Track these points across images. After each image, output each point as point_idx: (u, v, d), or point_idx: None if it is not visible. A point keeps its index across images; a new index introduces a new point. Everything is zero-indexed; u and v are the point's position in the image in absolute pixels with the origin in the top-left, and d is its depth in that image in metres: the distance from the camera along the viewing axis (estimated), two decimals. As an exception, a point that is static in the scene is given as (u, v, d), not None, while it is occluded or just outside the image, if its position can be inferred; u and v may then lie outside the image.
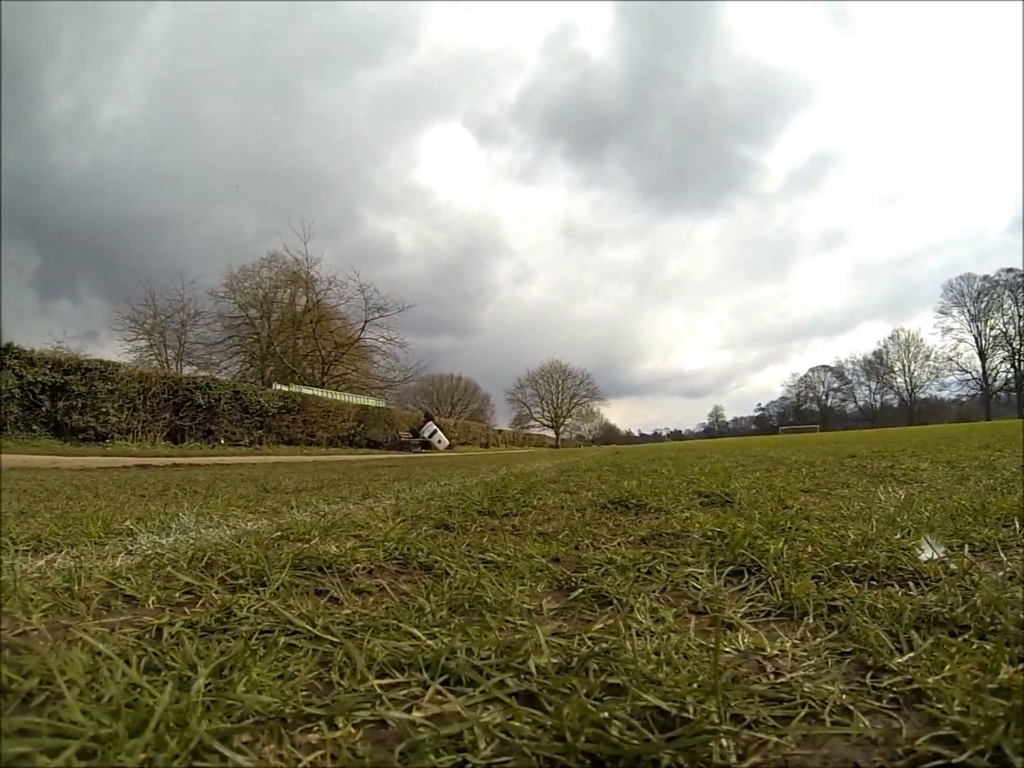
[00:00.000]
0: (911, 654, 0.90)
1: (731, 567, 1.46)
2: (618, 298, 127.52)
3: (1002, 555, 1.47)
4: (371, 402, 32.30)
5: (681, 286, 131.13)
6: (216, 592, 1.35)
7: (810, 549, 1.54)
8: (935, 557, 1.42)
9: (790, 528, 1.86)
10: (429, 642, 0.96)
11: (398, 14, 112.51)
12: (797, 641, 1.01)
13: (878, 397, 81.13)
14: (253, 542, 1.91)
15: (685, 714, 0.70)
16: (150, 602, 1.30)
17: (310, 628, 1.05)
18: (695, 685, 0.76)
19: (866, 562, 1.42)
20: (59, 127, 67.94)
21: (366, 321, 41.59)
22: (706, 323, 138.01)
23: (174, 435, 18.40)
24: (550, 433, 75.06)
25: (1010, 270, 65.92)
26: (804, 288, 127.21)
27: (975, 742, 0.66)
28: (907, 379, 75.71)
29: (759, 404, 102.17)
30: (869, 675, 0.87)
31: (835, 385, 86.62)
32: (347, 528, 2.23)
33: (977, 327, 68.45)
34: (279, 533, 2.15)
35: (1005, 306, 66.65)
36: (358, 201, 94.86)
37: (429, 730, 0.69)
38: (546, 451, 35.35)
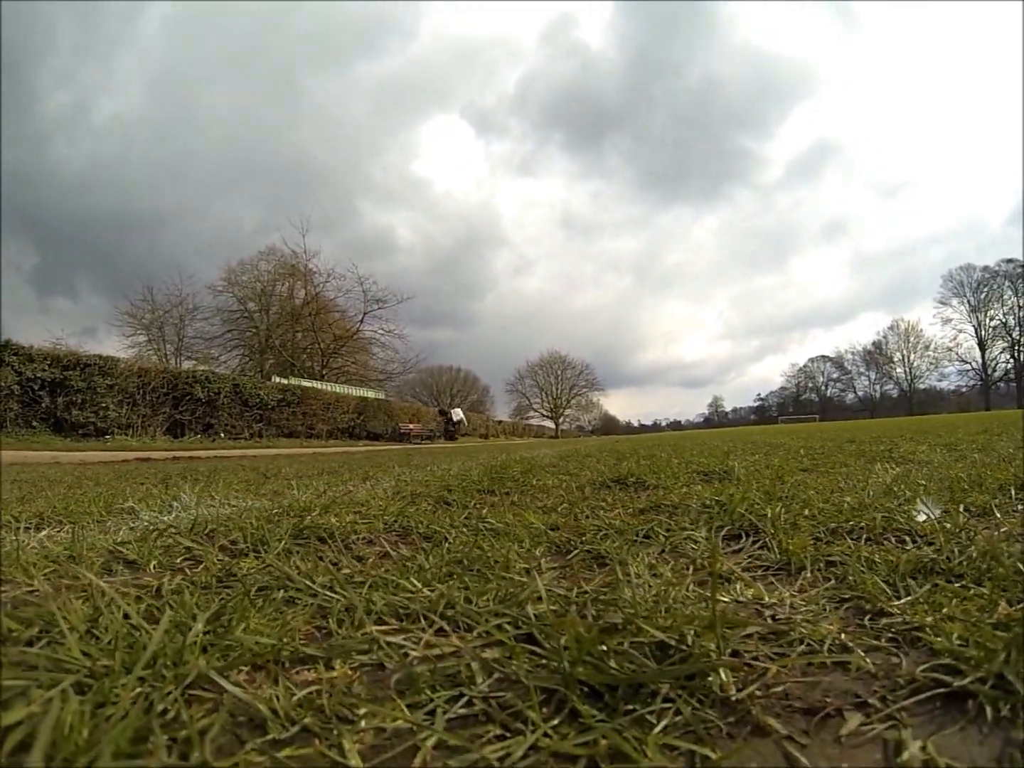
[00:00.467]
0: (909, 598, 0.91)
1: (729, 529, 1.46)
2: (617, 288, 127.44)
3: (999, 516, 1.47)
4: (370, 394, 32.24)
5: (681, 276, 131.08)
6: (217, 559, 1.36)
7: (807, 512, 1.54)
8: (932, 518, 1.43)
9: (787, 497, 1.86)
10: (427, 592, 0.96)
11: (397, 5, 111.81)
12: (795, 593, 1.02)
13: (877, 387, 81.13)
14: (254, 516, 1.92)
15: (684, 646, 0.70)
16: (151, 566, 1.30)
17: (310, 584, 1.05)
18: (694, 622, 0.76)
19: (863, 524, 1.43)
20: (57, 123, 67.67)
21: (365, 313, 41.50)
22: (706, 313, 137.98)
23: (174, 429, 18.39)
24: (550, 424, 75.11)
25: (1010, 260, 65.73)
26: (804, 278, 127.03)
27: (975, 670, 0.66)
28: (907, 369, 75.69)
29: (759, 394, 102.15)
30: (867, 618, 0.87)
31: (835, 375, 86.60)
32: (348, 505, 2.23)
33: (977, 317, 68.34)
34: (280, 510, 2.15)
35: (1005, 296, 66.46)
36: (357, 193, 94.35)
37: (427, 665, 0.70)
38: (546, 441, 35.38)
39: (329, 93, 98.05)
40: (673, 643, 0.70)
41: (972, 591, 0.92)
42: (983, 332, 68.33)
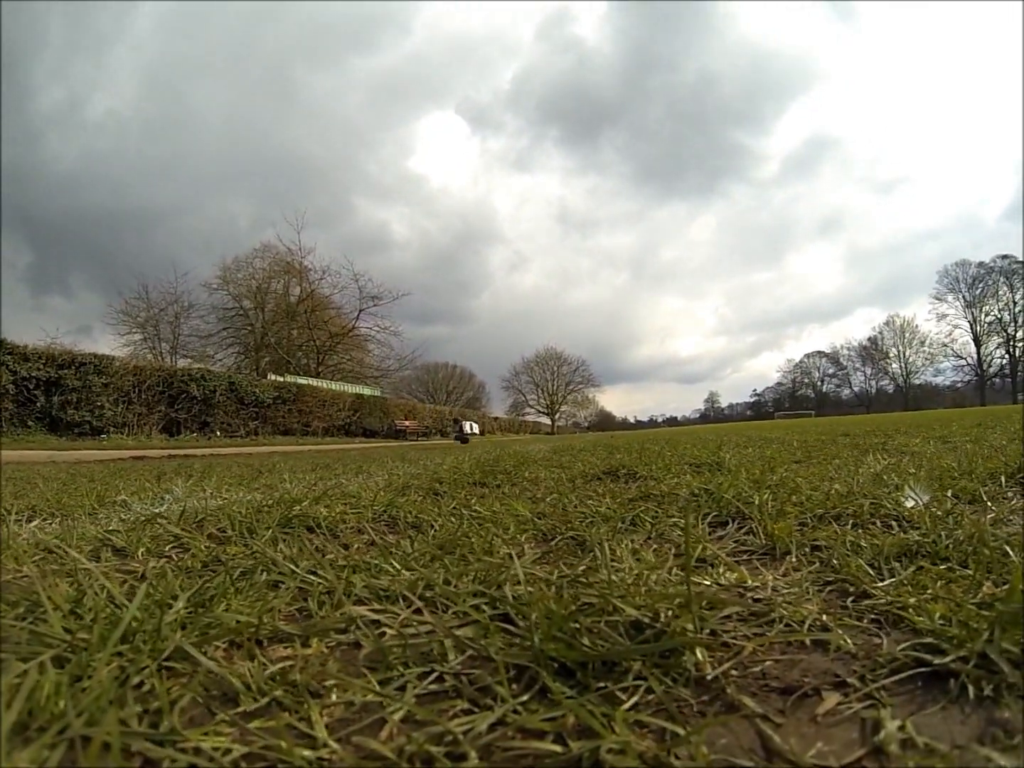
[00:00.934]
0: (893, 580, 0.90)
1: (716, 516, 1.46)
2: (613, 284, 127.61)
3: (988, 503, 1.47)
4: (366, 391, 32.23)
5: (677, 272, 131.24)
6: (204, 546, 1.35)
7: (795, 499, 1.54)
8: (920, 504, 1.43)
9: (776, 485, 1.86)
10: (407, 574, 0.96)
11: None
12: (779, 576, 1.01)
13: (873, 383, 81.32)
14: (244, 507, 1.91)
15: (657, 624, 0.70)
16: (139, 553, 1.30)
17: (294, 568, 1.04)
18: (670, 601, 0.76)
19: (851, 510, 1.43)
20: (49, 120, 67.21)
21: (360, 310, 41.42)
22: (702, 309, 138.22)
23: (170, 428, 18.34)
24: (546, 420, 75.09)
25: (1005, 256, 65.83)
26: (800, 274, 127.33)
27: (958, 649, 0.66)
28: (902, 365, 75.87)
29: (754, 390, 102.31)
30: (850, 600, 0.87)
31: (830, 371, 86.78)
32: (338, 497, 2.22)
33: (972, 313, 68.48)
34: (271, 501, 2.15)
35: (1000, 292, 66.61)
36: (352, 190, 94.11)
37: (399, 642, 0.69)
38: (542, 437, 35.40)
39: (324, 89, 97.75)
40: (647, 621, 0.70)
41: (957, 573, 0.91)
42: (978, 328, 68.53)
